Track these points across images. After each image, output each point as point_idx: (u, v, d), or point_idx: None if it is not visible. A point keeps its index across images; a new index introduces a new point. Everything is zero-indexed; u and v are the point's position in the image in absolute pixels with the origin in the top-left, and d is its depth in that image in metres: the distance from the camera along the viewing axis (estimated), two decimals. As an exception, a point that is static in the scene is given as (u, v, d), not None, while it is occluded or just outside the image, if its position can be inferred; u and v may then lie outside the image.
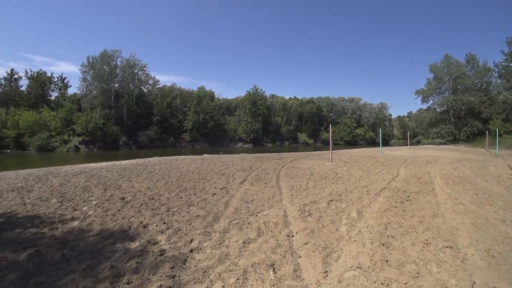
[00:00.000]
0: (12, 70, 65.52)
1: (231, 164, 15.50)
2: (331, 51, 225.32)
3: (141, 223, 5.41)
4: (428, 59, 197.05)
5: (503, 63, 45.30)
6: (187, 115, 69.01)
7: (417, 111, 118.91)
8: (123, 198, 7.55)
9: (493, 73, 44.18)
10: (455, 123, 45.93)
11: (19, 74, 66.03)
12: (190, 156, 21.88)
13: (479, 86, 45.28)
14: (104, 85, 59.30)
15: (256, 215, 5.74)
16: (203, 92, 73.98)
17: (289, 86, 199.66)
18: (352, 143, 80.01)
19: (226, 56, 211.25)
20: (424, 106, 52.03)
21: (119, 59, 62.15)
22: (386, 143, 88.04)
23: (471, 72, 46.15)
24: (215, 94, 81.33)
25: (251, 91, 75.76)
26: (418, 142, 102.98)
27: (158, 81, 68.69)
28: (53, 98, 65.76)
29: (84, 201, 7.37)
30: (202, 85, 78.87)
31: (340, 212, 5.96)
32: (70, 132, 53.32)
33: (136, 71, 63.59)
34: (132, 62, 62.75)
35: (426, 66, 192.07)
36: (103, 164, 17.52)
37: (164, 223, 5.34)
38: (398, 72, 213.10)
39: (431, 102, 50.58)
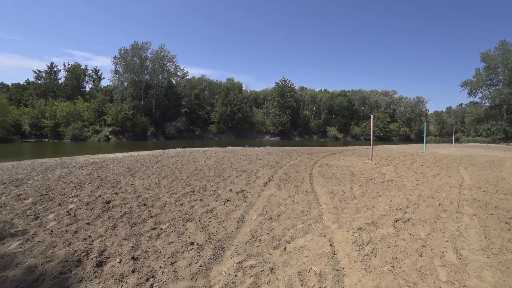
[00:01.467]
0: (52, 63, 67.50)
1: (255, 159, 13.37)
2: (364, 41, 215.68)
3: (101, 252, 3.39)
4: (473, 49, 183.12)
5: None
6: (215, 107, 67.76)
7: (457, 106, 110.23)
8: (109, 202, 5.64)
9: None
10: (509, 119, 40.02)
11: (58, 67, 67.90)
12: (213, 148, 20.03)
13: None
14: (134, 76, 59.28)
15: (285, 249, 3.51)
16: (231, 84, 72.32)
17: (320, 78, 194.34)
18: (384, 139, 75.20)
19: (255, 49, 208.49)
20: (470, 100, 45.74)
21: (149, 50, 61.91)
22: (422, 139, 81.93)
23: None
24: (243, 86, 79.49)
25: (280, 82, 73.09)
26: (457, 140, 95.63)
27: (187, 72, 68.06)
28: (87, 90, 66.99)
29: (59, 204, 5.56)
30: (231, 77, 76.79)
31: (423, 249, 3.58)
32: (101, 123, 53.83)
33: (165, 62, 63.02)
34: (161, 53, 62.22)
35: (470, 57, 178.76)
36: (120, 155, 16.12)
37: (133, 258, 3.24)
38: (437, 64, 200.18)
39: (479, 95, 44.52)
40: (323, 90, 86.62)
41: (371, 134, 15.15)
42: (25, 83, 66.22)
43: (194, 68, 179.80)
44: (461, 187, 7.89)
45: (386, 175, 9.60)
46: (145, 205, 5.44)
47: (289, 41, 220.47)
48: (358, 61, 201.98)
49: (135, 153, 16.74)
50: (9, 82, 76.04)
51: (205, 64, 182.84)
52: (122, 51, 60.60)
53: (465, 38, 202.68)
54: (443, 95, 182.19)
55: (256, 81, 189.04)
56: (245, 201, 5.67)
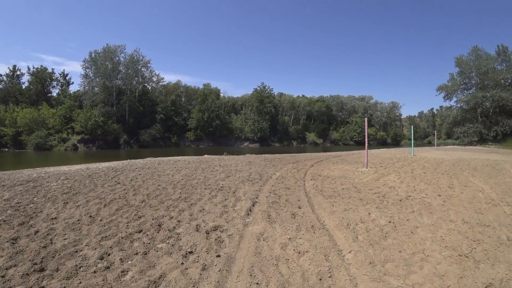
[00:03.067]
0: (14, 66, 62.09)
1: (234, 170, 11.13)
2: (341, 47, 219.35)
3: None
4: (445, 54, 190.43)
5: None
6: (192, 114, 64.86)
7: (428, 111, 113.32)
8: (-17, 263, 3.22)
9: None
10: (483, 121, 40.63)
11: (21, 70, 62.63)
12: (187, 158, 17.57)
13: (510, 81, 39.70)
14: (106, 81, 55.40)
15: None
16: (209, 90, 69.69)
17: (298, 85, 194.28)
18: (362, 143, 74.83)
19: (232, 55, 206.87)
20: (446, 103, 46.53)
21: (123, 54, 58.19)
22: (397, 143, 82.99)
23: (502, 66, 40.36)
24: (221, 92, 77.14)
25: (259, 88, 71.38)
26: (429, 143, 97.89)
27: (163, 78, 64.73)
28: (54, 95, 62.18)
29: None
30: (208, 83, 74.32)
31: None
32: (69, 130, 49.56)
33: (139, 67, 59.54)
34: (135, 58, 58.70)
35: (440, 62, 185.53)
36: (75, 168, 13.39)
37: None
38: (409, 70, 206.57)
39: (454, 99, 45.17)
40: (301, 96, 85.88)
41: (366, 139, 13.31)
42: (-17, 88, 60.59)
43: (170, 74, 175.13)
44: (496, 202, 6.10)
45: (397, 189, 7.68)
46: (42, 270, 3.07)
47: (266, 48, 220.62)
48: (335, 67, 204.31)
49: (94, 165, 14.03)
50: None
51: (182, 71, 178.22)
52: (93, 55, 56.50)
53: (436, 43, 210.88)
54: (414, 100, 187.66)
55: (234, 88, 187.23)
56: (218, 255, 3.36)
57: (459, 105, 44.32)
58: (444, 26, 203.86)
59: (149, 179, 9.11)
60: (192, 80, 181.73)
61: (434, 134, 32.34)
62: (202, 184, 8.10)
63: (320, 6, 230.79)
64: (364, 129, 11.38)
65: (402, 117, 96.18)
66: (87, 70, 56.91)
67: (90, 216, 5.10)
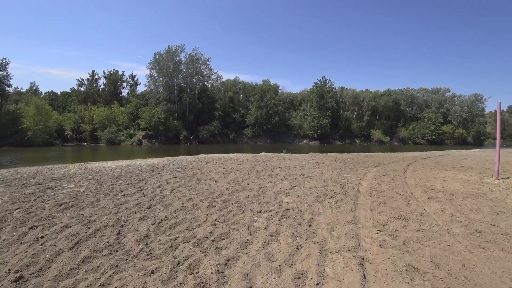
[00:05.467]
0: (93, 71, 67.32)
1: (301, 176, 7.96)
2: (410, 34, 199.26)
3: None
4: None
5: None
6: (250, 110, 63.06)
7: (506, 107, 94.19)
8: None
9: None
10: None
11: (98, 75, 67.73)
12: (241, 156, 14.89)
13: None
14: (168, 80, 56.64)
15: None
16: (267, 86, 67.10)
17: (361, 77, 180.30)
18: (436, 143, 64.93)
19: (292, 50, 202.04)
20: None
21: (183, 54, 58.86)
22: (480, 143, 70.28)
23: None
24: (280, 88, 74.01)
25: (319, 82, 66.40)
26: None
27: (221, 76, 63.92)
28: (124, 95, 65.99)
29: None
30: (267, 79, 71.90)
31: None
32: (135, 127, 51.64)
33: (199, 65, 59.66)
34: (195, 56, 58.90)
35: None
36: (116, 164, 11.67)
37: None
38: (495, 59, 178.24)
39: None
40: (365, 90, 78.13)
41: (498, 135, 8.97)
42: (70, 91, 67.11)
43: (227, 73, 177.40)
44: None
45: None
46: None
47: (325, 41, 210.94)
48: (404, 57, 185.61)
49: (137, 162, 12.15)
50: (59, 90, 77.72)
51: (239, 69, 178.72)
52: (157, 56, 58.41)
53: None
54: (502, 92, 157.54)
55: (292, 84, 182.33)
56: None
57: None
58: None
59: (183, 186, 6.47)
60: (251, 78, 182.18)
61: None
62: (254, 201, 5.13)
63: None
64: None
65: (485, 113, 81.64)
66: (152, 70, 58.83)
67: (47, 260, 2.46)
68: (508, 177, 8.71)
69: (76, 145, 48.47)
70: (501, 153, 18.74)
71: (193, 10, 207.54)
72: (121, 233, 3.61)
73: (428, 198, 5.69)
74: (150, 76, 59.10)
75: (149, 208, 4.75)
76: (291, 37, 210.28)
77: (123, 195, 5.68)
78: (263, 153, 16.92)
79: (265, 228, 3.73)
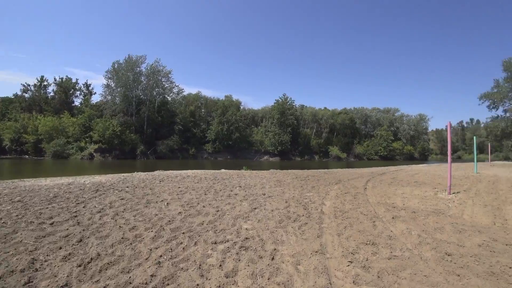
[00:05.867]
0: (42, 77, 61.99)
1: (261, 196, 7.44)
2: (365, 59, 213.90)
3: None
4: (474, 65, 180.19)
5: None
6: (211, 125, 62.08)
7: (457, 124, 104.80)
8: None
9: None
10: None
11: (48, 81, 62.50)
12: (200, 172, 14.06)
13: None
14: (127, 91, 53.89)
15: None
16: (229, 101, 66.93)
17: (320, 97, 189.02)
18: (388, 158, 69.40)
19: (253, 68, 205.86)
20: (492, 114, 40.70)
21: (144, 65, 56.79)
22: (424, 158, 76.85)
23: None
24: (241, 104, 74.20)
25: (280, 99, 67.78)
26: (459, 158, 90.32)
27: (183, 89, 62.31)
28: (77, 104, 61.49)
29: None
30: (230, 94, 71.82)
31: None
32: (87, 139, 47.81)
33: (160, 77, 57.84)
34: (156, 68, 57.09)
35: (471, 75, 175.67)
36: (55, 182, 10.22)
37: None
38: (436, 81, 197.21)
39: (500, 109, 39.26)
40: (323, 108, 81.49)
41: (449, 150, 9.26)
42: (12, 96, 60.76)
43: (189, 87, 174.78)
44: None
45: None
46: None
47: (287, 61, 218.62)
48: (359, 79, 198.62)
49: (82, 180, 10.78)
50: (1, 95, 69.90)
51: (202, 83, 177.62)
52: (116, 65, 55.52)
53: (463, 55, 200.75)
54: (441, 113, 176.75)
55: (254, 101, 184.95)
56: None
57: (508, 115, 38.37)
58: (470, 36, 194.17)
59: (128, 211, 5.60)
60: (213, 93, 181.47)
61: (488, 147, 27.20)
62: (209, 228, 4.45)
63: (344, 19, 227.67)
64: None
65: (428, 131, 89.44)
66: (109, 80, 55.79)
67: None
68: (459, 192, 9.06)
69: (15, 158, 43.70)
70: (440, 168, 19.91)
71: (156, 22, 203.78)
72: (31, 282, 2.75)
73: (393, 218, 5.50)
74: (107, 86, 55.96)
75: (80, 241, 3.86)
76: (254, 54, 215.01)
77: (51, 224, 4.67)
78: (222, 170, 16.24)
79: (220, 265, 3.09)
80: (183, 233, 4.21)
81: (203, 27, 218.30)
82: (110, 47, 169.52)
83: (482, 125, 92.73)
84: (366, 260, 3.38)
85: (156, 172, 14.01)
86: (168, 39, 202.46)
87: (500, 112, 40.06)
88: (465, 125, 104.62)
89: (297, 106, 72.76)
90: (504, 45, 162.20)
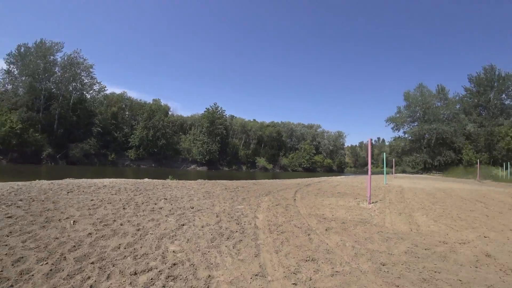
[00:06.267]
0: None
1: (190, 209, 6.74)
2: (293, 76, 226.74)
3: None
4: (382, 92, 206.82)
5: (465, 98, 43.97)
6: (135, 130, 57.57)
7: (365, 142, 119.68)
8: None
9: (457, 106, 43.38)
10: (428, 152, 42.97)
11: None
12: (119, 182, 12.46)
13: (445, 117, 43.04)
14: (34, 82, 46.10)
15: None
16: (157, 106, 63.37)
17: (249, 109, 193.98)
18: (311, 170, 74.83)
19: (186, 74, 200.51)
20: (395, 134, 49.76)
21: (60, 54, 49.72)
22: (341, 170, 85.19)
23: (440, 103, 44.13)
24: (170, 110, 71.06)
25: (211, 108, 67.07)
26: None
27: (105, 87, 56.40)
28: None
29: None
30: (158, 98, 67.98)
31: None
32: (-26, 138, 39.26)
33: (79, 71, 51.39)
34: (75, 59, 50.59)
35: (378, 99, 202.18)
36: None
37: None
38: (352, 103, 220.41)
39: (401, 131, 47.96)
40: (252, 120, 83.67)
41: (369, 164, 9.95)
42: None
43: (116, 87, 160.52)
44: None
45: (465, 244, 4.27)
46: None
47: (219, 71, 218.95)
48: (287, 95, 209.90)
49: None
50: None
51: (129, 84, 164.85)
52: (23, 49, 47.15)
53: (372, 82, 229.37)
54: (355, 131, 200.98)
55: (183, 108, 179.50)
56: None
57: (407, 136, 46.44)
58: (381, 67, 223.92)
59: (17, 234, 4.30)
60: (140, 95, 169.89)
61: (393, 162, 31.30)
62: (127, 254, 3.62)
63: (275, 35, 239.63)
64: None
65: (345, 146, 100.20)
66: (12, 66, 47.20)
67: None
68: (377, 201, 9.87)
69: None
70: (363, 180, 21.98)
71: (80, 10, 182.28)
72: None
73: (326, 230, 5.51)
74: (8, 72, 47.29)
75: None
76: (186, 61, 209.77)
77: None
78: (146, 179, 14.80)
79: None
80: (92, 263, 3.30)
81: (138, 24, 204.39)
82: (15, 27, 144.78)
83: (387, 143, 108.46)
84: (310, 280, 3.13)
85: (65, 181, 11.92)
86: (95, 29, 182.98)
87: (401, 133, 48.73)
88: (374, 143, 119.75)
89: (227, 116, 73.05)
90: (407, 78, 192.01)
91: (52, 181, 11.68)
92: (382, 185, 16.69)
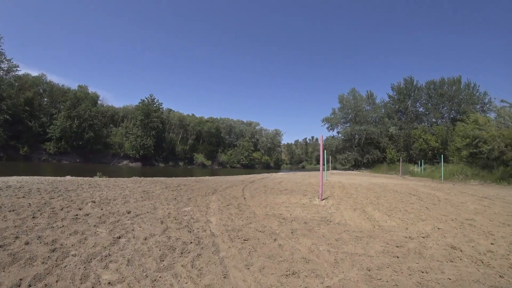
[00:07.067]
0: None
1: (126, 215, 5.44)
2: (233, 72, 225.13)
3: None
4: (318, 95, 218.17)
5: (388, 104, 48.87)
6: (55, 119, 50.28)
7: (302, 140, 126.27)
8: None
9: (382, 110, 48.08)
10: (358, 150, 46.67)
11: None
12: (28, 181, 10.06)
13: (373, 119, 47.73)
14: None
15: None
16: (84, 93, 56.22)
17: (186, 103, 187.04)
18: (249, 166, 75.10)
19: (118, 61, 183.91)
20: (330, 134, 53.26)
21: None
22: (278, 167, 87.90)
23: (369, 107, 48.77)
24: (100, 99, 63.99)
25: (146, 100, 62.31)
26: (303, 168, 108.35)
27: (17, 66, 47.47)
28: None
29: None
30: (85, 85, 60.34)
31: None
32: None
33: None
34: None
35: (313, 101, 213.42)
36: None
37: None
38: (289, 103, 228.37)
39: (335, 131, 51.31)
40: (191, 114, 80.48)
41: (321, 160, 9.73)
42: None
43: (32, 68, 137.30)
44: None
45: (425, 240, 4.24)
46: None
47: (156, 60, 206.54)
48: (226, 90, 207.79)
49: None
50: None
51: (49, 66, 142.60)
52: None
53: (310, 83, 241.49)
54: (291, 129, 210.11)
55: (115, 98, 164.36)
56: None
57: (340, 136, 49.96)
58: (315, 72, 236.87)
59: None
60: (63, 80, 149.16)
61: (329, 160, 33.01)
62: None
63: (220, 26, 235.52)
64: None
65: (281, 144, 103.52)
66: None
67: None
68: (327, 197, 9.73)
69: None
70: (303, 176, 22.36)
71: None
72: None
73: (291, 232, 4.93)
74: None
75: None
76: (119, 45, 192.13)
77: None
78: (68, 177, 12.46)
79: None
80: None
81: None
82: None
83: (319, 143, 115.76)
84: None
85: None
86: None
87: (334, 133, 52.36)
88: (308, 141, 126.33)
89: (164, 109, 68.93)
90: (344, 79, 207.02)
91: None
92: (324, 181, 17.05)
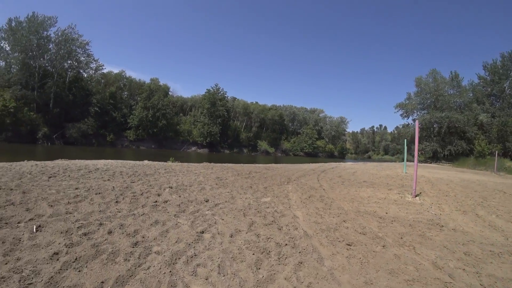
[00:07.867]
0: None
1: (203, 203, 5.10)
2: (297, 58, 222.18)
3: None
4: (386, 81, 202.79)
5: (478, 87, 41.58)
6: (134, 110, 55.35)
7: (369, 128, 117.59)
8: None
9: (470, 94, 40.48)
10: (438, 140, 40.20)
11: None
12: (115, 164, 10.76)
13: (458, 105, 40.42)
14: (28, 59, 43.43)
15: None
16: (156, 85, 60.72)
17: (251, 90, 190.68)
18: (312, 155, 72.89)
19: (184, 56, 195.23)
20: (404, 121, 46.48)
21: (54, 29, 46.59)
22: (343, 156, 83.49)
23: (453, 91, 41.04)
24: (170, 90, 68.43)
25: (212, 89, 64.58)
26: (369, 158, 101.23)
27: (103, 65, 53.52)
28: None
29: None
30: (156, 78, 65.09)
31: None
32: (-34, 116, 37.15)
33: (74, 47, 48.44)
34: (70, 35, 47.58)
35: (382, 87, 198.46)
36: None
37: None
38: (356, 89, 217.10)
39: (410, 118, 44.30)
40: (254, 102, 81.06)
41: (416, 153, 8.30)
42: None
43: (113, 65, 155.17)
44: None
45: None
46: None
47: (221, 51, 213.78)
48: (289, 77, 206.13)
49: None
50: None
51: (127, 63, 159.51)
52: (14, 23, 44.05)
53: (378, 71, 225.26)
54: (357, 117, 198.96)
55: (183, 89, 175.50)
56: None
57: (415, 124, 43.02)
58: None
59: None
60: (138, 75, 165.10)
61: (409, 148, 29.54)
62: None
63: (283, 17, 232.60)
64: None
65: (346, 132, 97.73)
66: (3, 41, 44.27)
67: None
68: (420, 193, 8.28)
69: None
70: (376, 167, 20.31)
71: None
72: None
73: (401, 238, 3.89)
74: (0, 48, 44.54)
75: None
76: (186, 42, 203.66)
77: None
78: (146, 162, 13.14)
79: None
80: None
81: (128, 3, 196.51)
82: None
83: (389, 131, 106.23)
84: None
85: (53, 162, 10.23)
86: (89, 4, 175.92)
87: (410, 120, 45.48)
88: (376, 130, 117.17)
89: (228, 97, 70.62)
90: (417, 64, 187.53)
91: (37, 162, 9.99)
92: (403, 174, 15.06)
